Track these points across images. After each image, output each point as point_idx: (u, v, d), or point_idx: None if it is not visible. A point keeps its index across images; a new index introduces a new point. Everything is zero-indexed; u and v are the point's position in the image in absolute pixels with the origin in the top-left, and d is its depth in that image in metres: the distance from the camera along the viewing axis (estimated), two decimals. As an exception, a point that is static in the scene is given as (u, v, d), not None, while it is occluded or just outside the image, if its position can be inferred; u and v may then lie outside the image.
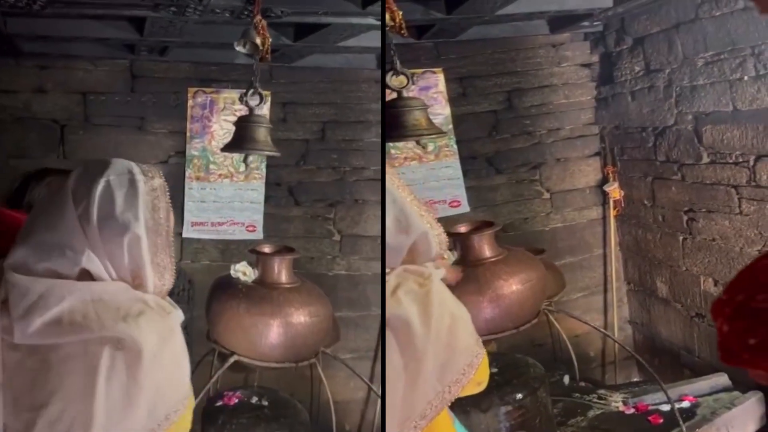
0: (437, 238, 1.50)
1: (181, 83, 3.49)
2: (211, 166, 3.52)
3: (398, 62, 1.81)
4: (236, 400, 2.75)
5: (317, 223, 3.64)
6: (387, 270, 1.43)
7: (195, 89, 3.49)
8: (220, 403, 2.72)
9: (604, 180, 3.78)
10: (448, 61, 3.52)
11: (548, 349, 3.60)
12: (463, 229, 2.75)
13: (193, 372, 1.34)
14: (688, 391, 2.89)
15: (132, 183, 1.27)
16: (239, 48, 1.98)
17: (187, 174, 3.50)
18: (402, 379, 1.37)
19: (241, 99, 2.12)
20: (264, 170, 3.53)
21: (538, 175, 3.75)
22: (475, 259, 2.67)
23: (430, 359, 1.38)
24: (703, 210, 3.07)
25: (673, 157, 3.23)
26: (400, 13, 1.68)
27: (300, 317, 2.59)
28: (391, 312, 1.36)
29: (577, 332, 3.62)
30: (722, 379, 2.93)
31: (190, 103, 3.48)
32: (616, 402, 2.93)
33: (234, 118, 3.37)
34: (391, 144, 3.37)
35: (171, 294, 1.48)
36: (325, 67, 3.44)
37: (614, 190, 3.70)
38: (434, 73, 3.45)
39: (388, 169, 1.50)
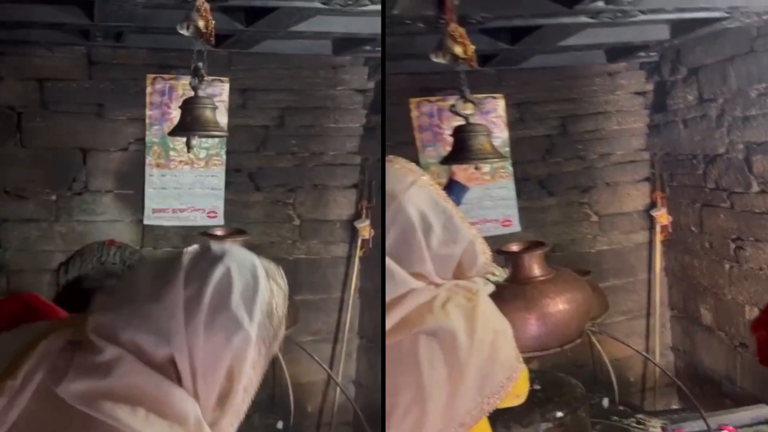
0: (482, 247, 1.51)
1: (140, 70, 3.46)
2: (171, 153, 3.51)
3: (467, 91, 1.94)
4: None
5: (277, 208, 3.70)
6: (438, 282, 1.46)
7: (154, 76, 3.45)
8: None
9: (652, 205, 3.83)
10: (508, 87, 3.63)
11: (588, 371, 3.63)
12: (514, 247, 2.86)
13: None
14: (728, 421, 2.89)
15: (254, 278, 1.13)
16: (182, 31, 2.01)
17: (147, 161, 3.50)
18: (445, 388, 1.41)
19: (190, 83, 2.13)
20: (224, 156, 3.56)
21: (588, 198, 3.83)
22: (525, 277, 2.77)
23: (472, 371, 1.42)
24: (751, 239, 3.11)
25: (723, 185, 3.27)
26: (473, 47, 1.81)
27: None
28: (438, 324, 1.41)
29: (618, 356, 3.66)
30: (764, 410, 2.93)
31: (149, 89, 3.45)
32: (655, 428, 2.95)
33: None
34: (431, 161, 3.48)
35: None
36: (281, 53, 3.42)
37: (662, 216, 3.76)
38: (495, 98, 3.56)
39: (430, 180, 1.51)
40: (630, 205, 3.87)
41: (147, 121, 3.48)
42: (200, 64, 2.15)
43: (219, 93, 3.48)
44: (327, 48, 3.31)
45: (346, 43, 3.22)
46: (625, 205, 3.86)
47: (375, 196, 3.68)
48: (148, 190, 3.51)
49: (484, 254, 1.52)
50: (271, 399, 3.42)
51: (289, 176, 3.68)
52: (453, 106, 2.02)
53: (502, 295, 1.54)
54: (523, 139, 3.70)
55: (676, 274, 3.81)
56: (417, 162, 3.33)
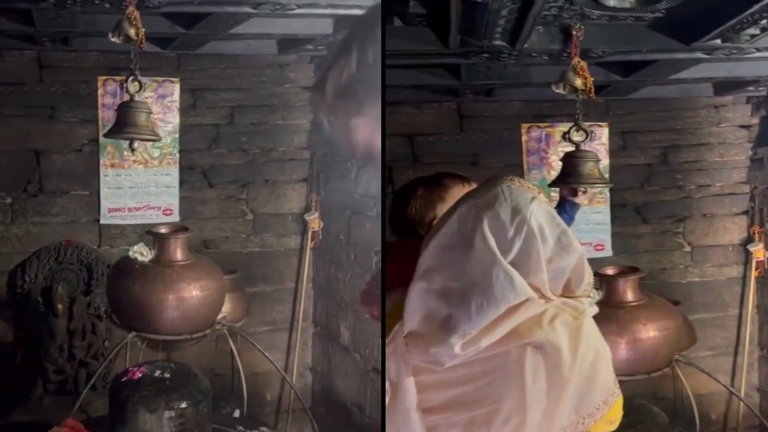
0: (587, 265, 1.52)
1: (91, 72, 3.53)
2: (125, 153, 3.57)
3: (581, 119, 2.05)
4: (140, 375, 2.79)
5: (230, 203, 3.85)
6: (550, 296, 1.49)
7: (105, 78, 3.53)
8: (124, 379, 2.76)
9: (749, 239, 3.77)
10: (615, 116, 3.69)
11: (669, 405, 3.59)
12: (610, 271, 2.92)
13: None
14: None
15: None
16: (114, 39, 2.07)
17: (101, 161, 3.59)
18: (545, 402, 1.44)
19: (121, 86, 2.22)
20: (177, 155, 3.68)
21: (682, 228, 3.81)
22: (618, 301, 2.84)
23: (571, 388, 1.44)
24: None
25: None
26: (592, 78, 1.92)
27: (192, 291, 2.85)
28: (545, 338, 1.44)
29: (701, 391, 3.59)
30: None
31: (100, 91, 3.52)
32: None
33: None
34: (535, 183, 3.56)
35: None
36: (228, 53, 3.53)
37: (758, 251, 3.68)
38: (600, 126, 3.63)
39: (545, 198, 1.56)
40: (726, 238, 3.82)
41: (100, 122, 3.56)
42: (134, 69, 2.19)
43: (170, 93, 3.65)
44: (272, 48, 3.43)
45: (290, 43, 3.35)
46: (720, 237, 3.82)
47: (323, 189, 3.83)
48: (104, 190, 3.60)
49: (589, 273, 1.55)
50: (229, 388, 3.62)
51: (240, 172, 3.84)
52: (567, 133, 2.11)
53: (594, 317, 1.55)
54: (624, 167, 3.73)
55: (770, 312, 3.75)
56: (96, 141, 3.49)
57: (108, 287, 3.10)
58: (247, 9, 2.43)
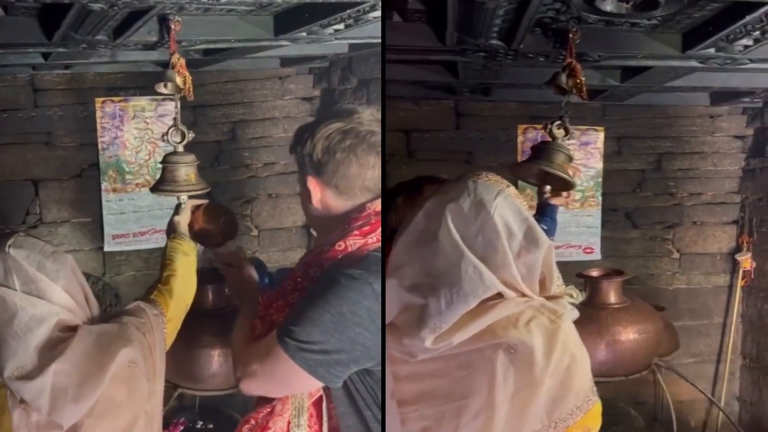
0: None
1: (87, 94, 3.37)
2: (128, 176, 3.44)
3: (567, 118, 2.10)
4: (181, 428, 2.76)
5: (656, 243, 3.84)
6: (527, 292, 1.52)
7: (102, 99, 3.37)
8: (167, 435, 2.63)
9: (737, 249, 3.81)
10: (611, 121, 3.71)
11: (649, 410, 3.63)
12: (594, 273, 2.96)
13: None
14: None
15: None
16: (162, 90, 1.97)
17: (102, 186, 3.41)
18: (513, 403, 1.45)
19: (163, 137, 2.05)
20: (599, 198, 3.72)
21: (672, 235, 3.85)
22: (601, 302, 2.88)
23: (543, 391, 1.45)
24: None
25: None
26: (584, 80, 1.95)
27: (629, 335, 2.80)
28: (518, 338, 1.45)
29: (681, 398, 3.64)
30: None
31: (98, 114, 3.36)
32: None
33: (145, 126, 3.42)
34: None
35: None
36: (656, 104, 3.58)
37: (746, 260, 3.73)
38: (596, 131, 3.67)
39: (516, 192, 1.60)
40: (714, 246, 3.86)
41: (99, 146, 3.40)
42: (564, 117, 2.14)
43: (593, 141, 3.65)
44: (704, 99, 3.48)
45: (724, 96, 3.39)
46: (709, 245, 3.86)
47: (756, 231, 3.79)
48: (106, 216, 3.43)
49: (556, 269, 1.59)
50: (653, 415, 3.62)
51: (244, 188, 3.73)
52: (548, 124, 2.13)
53: (576, 317, 1.58)
54: (617, 171, 3.77)
55: (754, 321, 3.78)
56: (516, 183, 3.47)
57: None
58: (694, 63, 2.29)
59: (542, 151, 2.11)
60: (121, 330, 1.67)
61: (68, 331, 1.62)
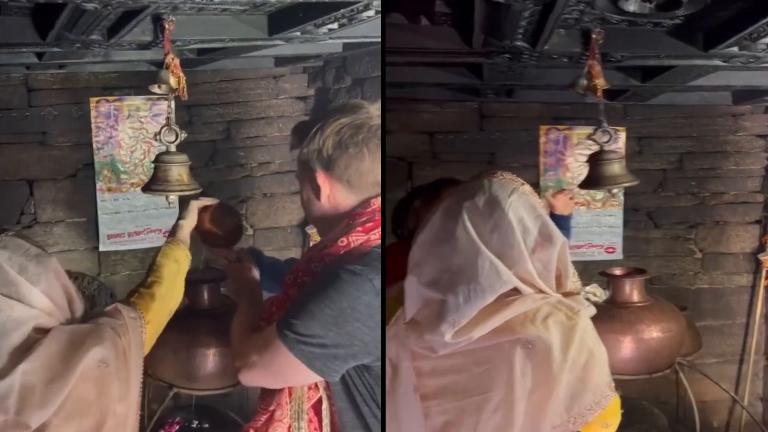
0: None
1: (82, 93, 3.36)
2: (122, 176, 3.43)
3: (605, 122, 2.11)
4: (177, 427, 2.76)
5: (678, 243, 3.84)
6: (544, 288, 1.53)
7: (97, 99, 3.36)
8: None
9: (760, 248, 3.80)
10: (632, 121, 3.73)
11: (671, 410, 3.62)
12: (617, 271, 2.98)
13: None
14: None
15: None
16: (156, 90, 1.94)
17: (97, 186, 3.40)
18: (531, 399, 1.46)
19: (156, 137, 2.03)
20: (621, 198, 3.71)
21: (694, 235, 3.85)
22: (623, 301, 2.90)
23: (561, 387, 1.45)
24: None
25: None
26: (602, 82, 1.97)
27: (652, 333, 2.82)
28: (536, 334, 1.46)
29: (705, 398, 3.64)
30: None
31: (93, 113, 3.35)
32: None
33: (140, 125, 3.41)
34: (551, 184, 3.62)
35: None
36: (679, 104, 3.56)
37: (769, 260, 3.74)
38: (617, 131, 3.64)
39: (530, 189, 1.61)
40: (737, 246, 3.85)
41: (94, 145, 3.40)
42: (603, 120, 2.14)
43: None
44: (727, 98, 3.46)
45: (745, 95, 3.37)
46: (732, 245, 3.85)
47: None
48: (101, 216, 3.42)
49: (571, 266, 1.61)
50: (676, 415, 3.61)
51: (239, 188, 3.73)
52: (592, 134, 2.15)
53: (599, 316, 1.59)
54: (639, 171, 3.70)
55: (777, 322, 3.77)
56: (537, 184, 3.51)
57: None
58: (716, 62, 2.28)
59: (598, 169, 2.11)
60: (94, 329, 1.63)
61: (44, 333, 1.59)
